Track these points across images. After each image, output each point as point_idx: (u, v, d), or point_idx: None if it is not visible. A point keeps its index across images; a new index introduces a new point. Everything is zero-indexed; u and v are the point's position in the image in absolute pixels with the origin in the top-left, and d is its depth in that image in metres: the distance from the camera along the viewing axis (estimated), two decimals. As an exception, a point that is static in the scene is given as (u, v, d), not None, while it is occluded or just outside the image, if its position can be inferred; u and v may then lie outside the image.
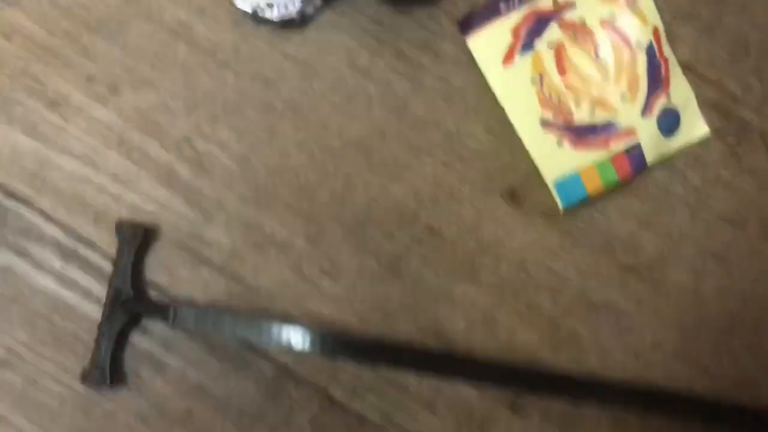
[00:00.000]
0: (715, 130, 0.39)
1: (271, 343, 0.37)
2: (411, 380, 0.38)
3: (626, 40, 0.39)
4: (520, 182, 0.39)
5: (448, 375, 0.37)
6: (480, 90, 0.39)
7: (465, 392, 0.38)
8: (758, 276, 0.39)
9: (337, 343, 0.37)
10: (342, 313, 0.38)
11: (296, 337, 0.36)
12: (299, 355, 0.38)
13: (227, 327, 0.37)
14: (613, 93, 0.38)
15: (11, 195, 0.38)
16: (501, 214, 0.39)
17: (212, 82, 0.39)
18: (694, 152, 0.39)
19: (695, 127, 0.39)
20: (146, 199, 0.38)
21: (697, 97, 0.39)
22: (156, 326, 0.38)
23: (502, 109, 0.39)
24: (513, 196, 0.39)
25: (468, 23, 0.39)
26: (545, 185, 0.38)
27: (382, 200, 0.39)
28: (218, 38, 0.39)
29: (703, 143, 0.39)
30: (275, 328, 0.37)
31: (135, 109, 0.39)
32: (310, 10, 0.39)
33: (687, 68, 0.40)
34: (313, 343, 0.36)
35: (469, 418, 0.38)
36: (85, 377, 0.37)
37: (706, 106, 0.40)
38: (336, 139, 0.39)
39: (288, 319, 0.38)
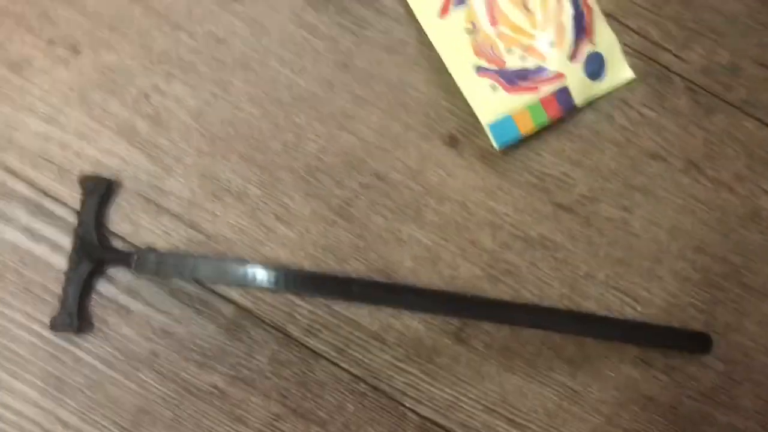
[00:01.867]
0: (639, 74, 0.42)
1: (230, 283, 0.39)
2: (362, 316, 0.40)
3: (553, -8, 0.41)
4: (460, 128, 0.42)
5: (397, 306, 0.40)
6: (419, 42, 0.42)
7: (413, 325, 0.40)
8: (682, 207, 0.42)
9: (293, 278, 0.39)
10: (296, 256, 0.40)
11: (253, 276, 0.39)
12: (257, 296, 0.40)
13: (187, 270, 0.39)
14: (542, 40, 0.41)
15: None
16: (443, 159, 0.41)
17: (167, 41, 0.41)
18: (620, 95, 0.42)
19: (620, 71, 0.42)
20: (107, 154, 0.41)
21: (622, 43, 0.42)
22: (120, 274, 0.40)
23: (440, 60, 0.41)
24: (453, 141, 0.42)
25: (407, -19, 0.42)
26: (482, 130, 0.41)
27: (331, 149, 0.41)
28: (171, 0, 0.42)
29: (628, 86, 0.42)
30: (233, 267, 0.39)
31: (95, 69, 0.41)
32: (257, -28, 0.41)
33: (610, 16, 0.42)
34: (270, 280, 0.39)
35: (418, 349, 0.40)
36: (54, 324, 0.39)
37: (631, 51, 0.42)
38: (286, 92, 0.42)
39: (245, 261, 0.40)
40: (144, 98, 0.41)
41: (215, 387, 0.39)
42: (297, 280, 0.39)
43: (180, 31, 0.41)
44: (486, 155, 0.41)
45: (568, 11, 0.41)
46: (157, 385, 0.39)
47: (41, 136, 0.41)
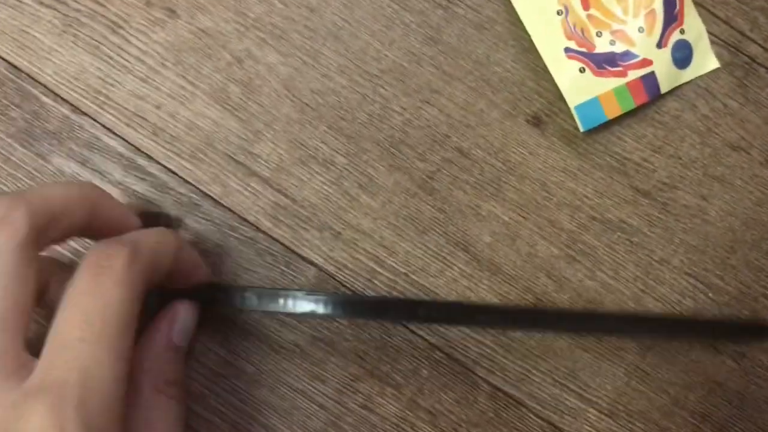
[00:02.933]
0: (725, 64, 0.43)
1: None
2: (439, 287, 0.41)
3: (645, -22, 0.42)
4: (544, 108, 0.42)
5: (464, 325, 0.41)
6: (509, 21, 0.42)
7: (489, 299, 0.41)
8: (759, 199, 0.42)
9: (351, 305, 0.37)
10: (377, 225, 0.42)
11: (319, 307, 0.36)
12: (339, 262, 0.41)
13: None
14: (632, 26, 0.41)
15: (77, 110, 0.42)
16: (526, 138, 0.42)
17: (261, 8, 0.42)
18: (705, 84, 0.43)
19: (706, 60, 0.43)
20: (200, 116, 0.42)
21: (709, 32, 0.43)
22: (207, 233, 0.41)
23: (529, 39, 0.42)
24: (537, 121, 0.42)
25: (499, -39, 0.42)
26: (567, 111, 0.42)
27: (415, 122, 0.42)
28: (267, -31, 0.42)
29: (712, 76, 0.43)
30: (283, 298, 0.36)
31: (191, 32, 0.42)
32: (353, -56, 0.42)
33: (700, 5, 0.43)
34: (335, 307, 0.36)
35: (492, 322, 0.41)
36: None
37: (717, 41, 0.43)
38: (374, 64, 0.42)
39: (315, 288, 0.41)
40: (237, 63, 0.42)
41: (297, 345, 0.41)
42: (356, 307, 0.37)
43: (274, -1, 0.42)
44: (569, 137, 0.42)
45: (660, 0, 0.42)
46: (240, 341, 0.41)
47: (137, 95, 0.42)
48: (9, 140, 0.42)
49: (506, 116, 0.42)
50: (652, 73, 0.41)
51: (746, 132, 0.42)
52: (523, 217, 0.42)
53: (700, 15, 0.43)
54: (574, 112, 0.41)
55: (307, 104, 0.42)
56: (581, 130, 0.41)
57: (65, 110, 0.42)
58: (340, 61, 0.42)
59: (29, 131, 0.42)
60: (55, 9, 0.42)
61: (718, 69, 0.42)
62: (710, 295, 0.42)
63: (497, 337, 0.41)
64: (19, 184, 0.41)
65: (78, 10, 0.42)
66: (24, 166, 0.41)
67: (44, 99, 0.42)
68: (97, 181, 0.41)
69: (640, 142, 0.42)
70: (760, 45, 0.43)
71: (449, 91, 0.42)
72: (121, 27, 0.42)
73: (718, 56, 0.42)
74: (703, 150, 0.42)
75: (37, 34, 0.42)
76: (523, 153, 0.42)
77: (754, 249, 0.42)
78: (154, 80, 0.42)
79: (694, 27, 0.42)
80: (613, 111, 0.41)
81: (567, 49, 0.41)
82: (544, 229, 0.42)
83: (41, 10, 0.42)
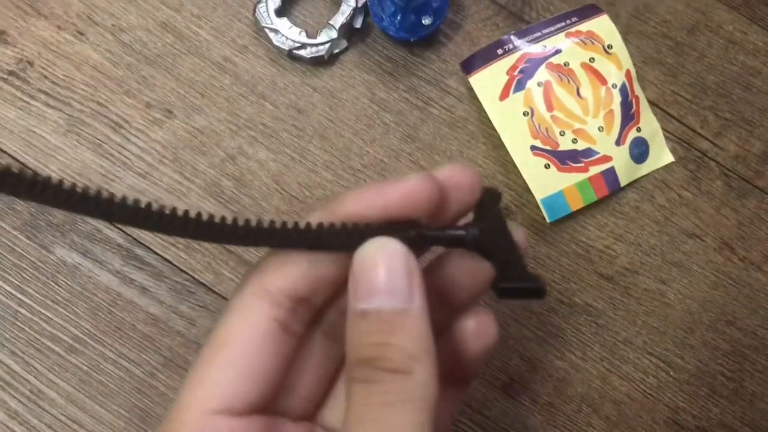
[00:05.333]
0: (679, 158, 0.46)
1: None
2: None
3: (603, 81, 0.46)
4: (514, 200, 0.46)
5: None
6: (479, 120, 0.46)
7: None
8: (714, 282, 0.46)
9: None
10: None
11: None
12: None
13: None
14: (592, 125, 0.45)
15: (79, 203, 0.45)
16: (497, 226, 0.46)
17: (252, 109, 0.46)
18: (661, 176, 0.46)
19: (661, 155, 0.46)
20: (195, 208, 0.45)
21: (663, 129, 0.47)
22: (200, 318, 0.44)
23: (498, 137, 0.46)
24: (508, 212, 0.46)
25: (470, 64, 0.46)
26: (535, 203, 0.45)
27: (396, 213, 0.45)
28: (258, 72, 0.46)
29: (668, 169, 0.46)
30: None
31: (187, 131, 0.46)
32: (336, 50, 0.46)
33: (654, 105, 0.47)
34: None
35: (468, 401, 0.44)
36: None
37: (671, 137, 0.47)
38: (357, 159, 0.46)
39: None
40: (230, 159, 0.45)
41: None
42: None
43: (264, 100, 0.46)
44: (537, 226, 0.45)
45: (617, 100, 0.46)
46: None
47: (136, 189, 0.45)
48: (14, 232, 0.44)
49: (479, 207, 0.46)
50: (612, 168, 0.45)
51: (700, 221, 0.46)
52: (496, 301, 0.45)
53: (655, 114, 0.47)
54: (540, 204, 0.44)
55: (295, 197, 0.45)
56: (548, 221, 0.45)
57: (68, 203, 0.45)
58: (325, 157, 0.46)
59: (33, 224, 0.44)
60: (60, 110, 0.46)
61: (672, 163, 0.46)
62: (671, 373, 0.45)
63: (473, 415, 0.44)
64: (23, 275, 0.44)
65: (82, 111, 0.46)
66: (28, 256, 0.44)
67: (48, 192, 0.45)
68: (97, 270, 0.44)
69: (603, 231, 0.46)
70: (710, 141, 0.47)
71: (426, 183, 0.46)
72: (122, 126, 0.46)
73: (672, 151, 0.46)
74: (661, 237, 0.46)
75: (43, 133, 0.45)
76: (495, 241, 0.45)
77: (710, 329, 0.45)
78: (153, 176, 0.45)
79: (649, 125, 0.46)
80: (576, 204, 0.45)
81: (533, 147, 0.45)
82: (515, 311, 0.45)
83: (47, 111, 0.45)
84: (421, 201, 0.23)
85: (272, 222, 0.23)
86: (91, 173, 0.45)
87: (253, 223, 0.22)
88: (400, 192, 0.23)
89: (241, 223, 0.22)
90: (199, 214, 0.22)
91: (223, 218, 0.22)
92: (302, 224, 0.23)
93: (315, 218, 0.23)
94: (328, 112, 0.46)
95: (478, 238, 0.24)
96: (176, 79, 0.46)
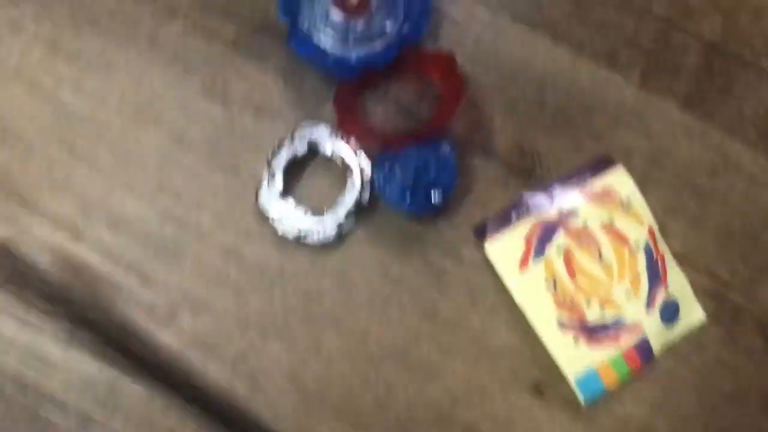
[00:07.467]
0: (711, 315, 0.44)
1: None
2: None
3: (625, 241, 0.44)
4: (543, 376, 0.43)
5: None
6: (500, 290, 0.44)
7: None
8: (763, 447, 0.43)
9: None
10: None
11: None
12: None
13: None
14: (619, 290, 0.43)
15: (88, 419, 0.42)
16: (529, 409, 0.43)
17: (261, 299, 0.44)
18: (695, 337, 0.44)
19: (693, 313, 0.44)
20: (207, 414, 0.42)
21: (692, 284, 0.44)
22: None
23: (519, 307, 0.43)
24: (538, 390, 0.43)
25: (483, 231, 0.44)
26: (563, 378, 0.43)
27: (420, 402, 0.43)
28: (264, 260, 0.44)
29: (701, 327, 0.44)
30: None
31: (193, 333, 0.43)
32: (345, 230, 0.44)
33: (680, 259, 0.45)
34: None
35: None
36: None
37: (701, 292, 0.44)
38: (375, 345, 0.43)
39: None
40: (241, 359, 0.43)
41: None
42: None
43: (273, 288, 0.43)
44: (570, 403, 0.43)
45: (642, 260, 0.43)
46: None
47: (143, 398, 0.42)
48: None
49: (508, 387, 0.43)
50: (645, 339, 0.43)
51: (741, 382, 0.43)
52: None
53: (681, 268, 0.44)
54: (574, 385, 0.42)
55: (311, 394, 0.42)
56: (582, 402, 0.42)
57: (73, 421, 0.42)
58: (341, 346, 0.43)
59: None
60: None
61: (705, 321, 0.44)
62: None
63: None
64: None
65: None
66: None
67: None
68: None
69: (640, 402, 0.43)
70: (741, 292, 0.44)
71: (450, 365, 0.43)
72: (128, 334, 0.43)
73: (704, 307, 0.44)
74: (701, 404, 0.43)
75: (42, 345, 0.43)
76: (529, 425, 0.43)
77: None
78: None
79: (677, 282, 0.44)
80: (611, 381, 0.42)
81: (560, 322, 0.43)
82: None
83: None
84: None
85: None
86: (96, 385, 0.43)
87: None
88: None
89: None
90: None
91: None
92: None
93: None
94: (341, 296, 0.44)
95: None
96: (179, 273, 0.43)
